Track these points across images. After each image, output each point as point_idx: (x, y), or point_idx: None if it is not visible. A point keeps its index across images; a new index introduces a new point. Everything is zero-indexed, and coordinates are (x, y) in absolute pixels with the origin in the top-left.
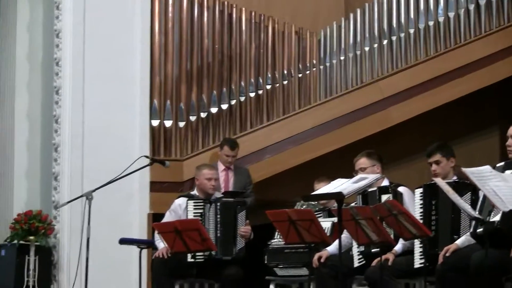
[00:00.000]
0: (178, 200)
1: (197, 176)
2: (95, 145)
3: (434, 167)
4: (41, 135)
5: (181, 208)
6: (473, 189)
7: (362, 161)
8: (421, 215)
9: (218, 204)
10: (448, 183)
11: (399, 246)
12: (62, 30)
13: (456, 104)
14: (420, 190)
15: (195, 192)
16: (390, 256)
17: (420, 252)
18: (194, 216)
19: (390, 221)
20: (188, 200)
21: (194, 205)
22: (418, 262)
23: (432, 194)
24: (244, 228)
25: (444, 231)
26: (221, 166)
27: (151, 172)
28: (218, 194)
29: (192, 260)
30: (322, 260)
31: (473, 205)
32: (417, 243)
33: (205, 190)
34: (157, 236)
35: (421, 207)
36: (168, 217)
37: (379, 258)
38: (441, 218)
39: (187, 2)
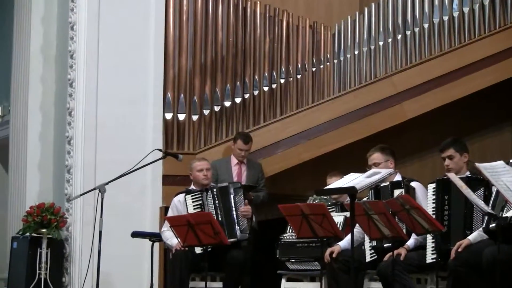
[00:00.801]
0: (176, 198)
1: (190, 171)
2: (108, 138)
3: (447, 162)
4: (54, 127)
5: (181, 204)
6: (486, 185)
7: (376, 156)
8: (433, 210)
9: (215, 190)
10: (461, 178)
11: (411, 241)
12: (76, 23)
13: (469, 99)
14: (433, 185)
15: (192, 187)
16: (402, 251)
17: (432, 247)
18: (194, 209)
19: (402, 216)
20: (185, 195)
21: (192, 198)
22: (430, 257)
23: (445, 189)
24: (243, 208)
25: (456, 226)
26: (234, 160)
27: (163, 166)
28: (213, 184)
29: (201, 250)
30: (334, 255)
31: (486, 200)
32: (429, 238)
33: (199, 182)
34: (165, 235)
35: (433, 202)
36: (170, 215)
37: (391, 253)
38: (454, 213)
39: None
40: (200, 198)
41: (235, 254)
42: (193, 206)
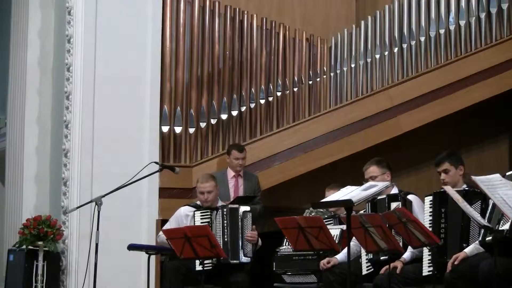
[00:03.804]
0: (184, 209)
1: (197, 185)
2: (105, 150)
3: (443, 176)
4: (51, 140)
5: (186, 218)
6: (483, 198)
7: (372, 169)
8: (430, 223)
9: (225, 209)
10: (458, 192)
11: (407, 254)
12: (73, 36)
13: (466, 112)
14: (430, 198)
15: (199, 202)
16: (398, 264)
17: (429, 260)
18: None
19: (399, 228)
20: (195, 210)
21: (201, 215)
22: (426, 270)
23: (442, 202)
24: (250, 233)
25: (453, 239)
26: (230, 173)
27: (160, 178)
28: (221, 202)
29: (201, 268)
30: (329, 265)
31: (483, 213)
32: (425, 251)
33: (200, 201)
34: (162, 238)
35: (430, 215)
36: (170, 225)
37: (387, 266)
38: (451, 226)
39: (198, 8)
40: (209, 216)
41: (239, 279)
42: (201, 222)
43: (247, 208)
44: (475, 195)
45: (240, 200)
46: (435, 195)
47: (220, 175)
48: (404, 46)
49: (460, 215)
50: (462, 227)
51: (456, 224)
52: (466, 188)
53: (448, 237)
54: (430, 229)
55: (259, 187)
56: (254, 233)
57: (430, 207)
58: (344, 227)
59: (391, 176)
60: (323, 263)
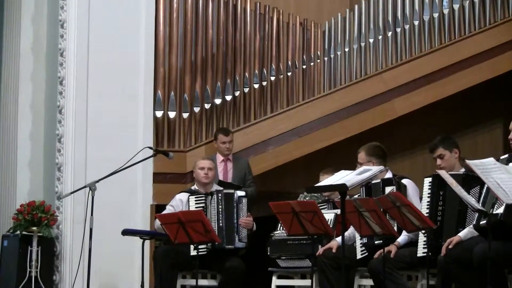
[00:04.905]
0: (179, 195)
1: (193, 168)
2: (98, 136)
3: (438, 161)
4: (44, 125)
5: (182, 203)
6: (483, 183)
7: (360, 156)
8: (428, 205)
9: (220, 195)
10: (457, 176)
11: (402, 238)
12: (66, 21)
13: (460, 96)
14: (430, 179)
15: (195, 187)
16: (392, 248)
17: (424, 241)
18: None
19: (393, 213)
20: (189, 195)
21: (196, 200)
22: (421, 251)
23: (440, 184)
24: (245, 219)
25: (449, 223)
26: (219, 158)
27: (154, 163)
28: (216, 187)
29: (195, 253)
30: (334, 251)
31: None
32: (421, 233)
33: (200, 180)
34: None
35: (428, 197)
36: (167, 212)
37: (381, 250)
38: (448, 209)
39: None
40: (204, 201)
41: (234, 264)
42: (195, 207)
43: (243, 193)
44: (474, 180)
45: (223, 186)
46: (435, 177)
47: None
48: (398, 30)
49: (458, 199)
50: (460, 211)
51: (454, 208)
52: (466, 173)
53: (444, 220)
54: (428, 211)
55: (250, 171)
56: (249, 219)
57: (429, 189)
58: (338, 211)
59: (384, 162)
60: (323, 250)
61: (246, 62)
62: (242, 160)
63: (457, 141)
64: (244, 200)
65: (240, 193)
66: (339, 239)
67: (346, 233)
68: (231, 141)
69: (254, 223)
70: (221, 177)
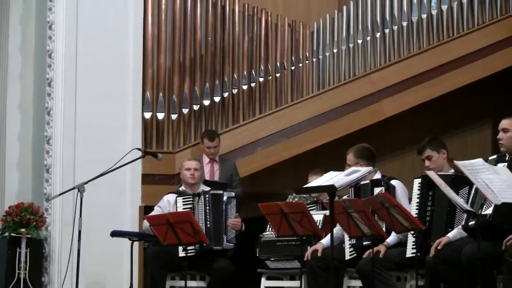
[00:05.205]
0: (166, 196)
1: (180, 169)
2: (87, 137)
3: (427, 163)
4: (33, 127)
5: (170, 204)
6: (471, 183)
7: (348, 157)
8: (417, 206)
9: (207, 195)
10: (447, 176)
11: (391, 238)
12: (55, 22)
13: (449, 97)
14: (419, 180)
15: (183, 188)
16: (381, 248)
17: (413, 242)
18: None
19: (382, 214)
20: (177, 196)
21: (183, 201)
22: (410, 252)
23: (430, 185)
24: (233, 220)
25: (438, 223)
26: (206, 159)
27: (143, 165)
28: (204, 187)
29: (184, 254)
30: (319, 254)
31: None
32: (410, 233)
33: (186, 181)
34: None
35: (418, 197)
36: (155, 213)
37: (370, 250)
38: (437, 209)
39: None
40: (191, 202)
41: (222, 265)
42: (183, 208)
43: (232, 194)
44: (463, 180)
45: (209, 185)
46: (424, 178)
47: None
48: (387, 31)
49: (447, 199)
50: (448, 211)
51: (443, 208)
52: (455, 173)
53: (433, 220)
54: (417, 211)
55: (236, 172)
56: (237, 220)
57: (418, 189)
58: (327, 212)
59: (372, 164)
60: (309, 253)
61: (234, 63)
62: (229, 161)
63: (445, 142)
64: (233, 201)
65: (229, 194)
66: (324, 241)
67: (334, 231)
68: (216, 146)
69: (243, 224)
70: (207, 178)
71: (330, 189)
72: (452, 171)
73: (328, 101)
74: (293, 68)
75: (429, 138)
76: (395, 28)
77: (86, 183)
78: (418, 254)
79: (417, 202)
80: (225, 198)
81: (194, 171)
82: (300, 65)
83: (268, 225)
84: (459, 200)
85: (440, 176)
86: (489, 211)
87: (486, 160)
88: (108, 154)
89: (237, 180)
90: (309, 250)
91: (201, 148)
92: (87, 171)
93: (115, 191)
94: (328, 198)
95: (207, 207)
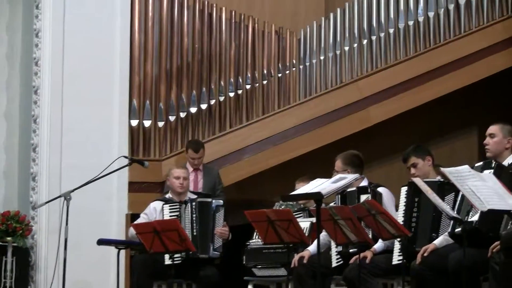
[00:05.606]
0: (153, 204)
1: (168, 176)
2: (73, 145)
3: (412, 170)
4: (19, 135)
5: (156, 212)
6: (458, 190)
7: (336, 164)
8: (403, 213)
9: (194, 203)
10: (433, 183)
11: (378, 245)
12: (41, 30)
13: (436, 103)
14: (405, 188)
15: (169, 195)
16: (368, 254)
17: (399, 249)
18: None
19: (368, 221)
20: (163, 204)
21: (170, 209)
22: (396, 259)
23: (416, 191)
24: (221, 229)
25: (423, 229)
26: (190, 168)
27: (129, 172)
28: (191, 195)
29: (170, 262)
30: (305, 261)
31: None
32: (396, 240)
33: (175, 190)
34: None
35: (404, 205)
36: (141, 220)
37: (357, 256)
38: (422, 216)
39: (167, 1)
40: (178, 209)
41: (208, 272)
42: (170, 216)
43: (220, 202)
44: (450, 187)
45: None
46: (410, 184)
47: None
48: (373, 38)
49: (432, 205)
50: (434, 217)
51: (428, 214)
52: (441, 180)
53: (419, 226)
54: (403, 218)
55: (220, 181)
56: (225, 229)
57: (405, 197)
58: (314, 219)
59: (360, 171)
60: (296, 260)
61: (221, 70)
62: (213, 170)
63: (431, 148)
64: (222, 210)
65: (218, 202)
66: (311, 248)
67: (320, 238)
68: (200, 157)
69: (230, 233)
70: (191, 186)
71: (317, 196)
72: (438, 177)
73: (315, 108)
74: (280, 75)
75: (414, 146)
76: (382, 35)
77: (72, 191)
78: (405, 261)
79: (403, 210)
80: (213, 206)
81: (183, 180)
82: (287, 72)
83: (255, 233)
84: (445, 207)
85: (426, 182)
86: (475, 218)
87: (473, 167)
88: (95, 162)
89: (220, 189)
90: (296, 257)
91: (185, 156)
92: (73, 179)
93: (101, 199)
94: (315, 205)
95: (194, 215)
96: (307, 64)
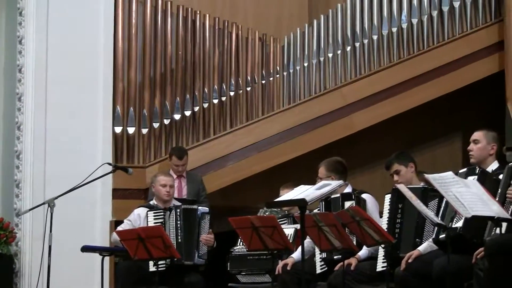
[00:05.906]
0: (137, 210)
1: (153, 183)
2: (57, 152)
3: (395, 177)
4: (2, 142)
5: (140, 218)
6: (441, 196)
7: (320, 170)
8: (387, 220)
9: (178, 210)
10: (416, 189)
11: (362, 252)
12: (25, 37)
13: (419, 110)
14: (389, 195)
15: (154, 202)
16: (353, 260)
17: (383, 255)
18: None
19: (353, 227)
20: (148, 211)
21: (154, 216)
22: (380, 265)
23: (399, 198)
24: (206, 236)
25: (407, 235)
26: (173, 175)
27: (113, 179)
28: (176, 202)
29: (155, 268)
30: (288, 268)
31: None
32: (380, 247)
33: (161, 198)
34: (115, 237)
35: (388, 211)
36: (125, 226)
37: (341, 263)
38: (406, 222)
39: (150, 8)
40: (162, 216)
41: (193, 279)
42: (154, 223)
43: (206, 209)
44: (433, 193)
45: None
46: (394, 191)
47: None
48: (357, 44)
49: (416, 211)
50: (418, 223)
51: (411, 220)
52: (425, 186)
53: (403, 232)
54: (387, 224)
55: (203, 187)
56: (210, 236)
57: (389, 204)
58: (298, 226)
59: (343, 177)
60: (280, 267)
61: (205, 77)
62: (196, 176)
63: (415, 155)
64: (207, 217)
65: (204, 209)
66: (295, 255)
67: (304, 244)
68: (184, 164)
69: (215, 241)
70: (176, 193)
71: (301, 203)
72: (422, 184)
73: (299, 115)
74: (263, 82)
75: (396, 153)
76: (365, 41)
77: (56, 198)
78: (389, 267)
79: (387, 217)
80: (199, 213)
81: (169, 188)
82: (271, 79)
83: (239, 239)
84: (429, 213)
85: (410, 189)
86: (459, 224)
87: (456, 173)
88: (79, 168)
89: (204, 195)
90: (280, 264)
91: (168, 163)
92: (57, 186)
93: (85, 206)
94: (299, 211)
95: (178, 222)
96: (291, 70)
